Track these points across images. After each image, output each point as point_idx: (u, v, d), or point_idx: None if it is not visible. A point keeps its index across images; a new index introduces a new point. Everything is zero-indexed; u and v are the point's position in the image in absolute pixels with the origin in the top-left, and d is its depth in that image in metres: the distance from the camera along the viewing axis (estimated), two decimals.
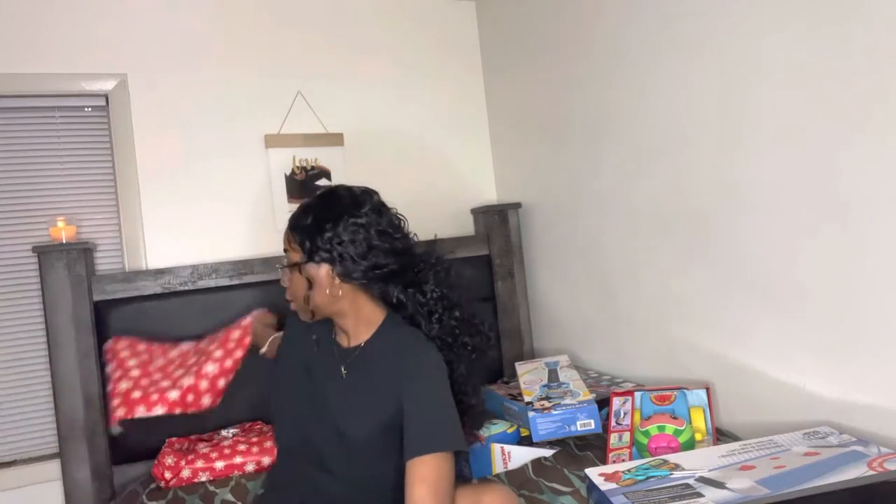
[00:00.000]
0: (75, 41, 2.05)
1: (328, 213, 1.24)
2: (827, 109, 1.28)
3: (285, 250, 1.30)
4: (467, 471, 1.52)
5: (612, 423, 1.57)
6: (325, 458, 1.25)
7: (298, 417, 1.29)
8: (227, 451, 1.75)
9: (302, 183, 2.29)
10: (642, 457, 1.43)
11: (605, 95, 1.94)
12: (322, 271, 1.24)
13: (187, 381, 1.74)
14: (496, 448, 1.59)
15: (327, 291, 1.24)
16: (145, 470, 1.84)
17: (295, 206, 2.20)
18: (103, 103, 2.11)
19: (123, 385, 1.77)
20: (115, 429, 1.81)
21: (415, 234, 1.33)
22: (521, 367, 2.05)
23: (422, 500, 1.07)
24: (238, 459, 1.74)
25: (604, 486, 1.13)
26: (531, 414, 1.59)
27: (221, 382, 1.76)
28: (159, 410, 1.72)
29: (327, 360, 1.32)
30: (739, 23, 1.45)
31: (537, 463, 1.53)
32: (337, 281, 1.24)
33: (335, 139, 2.36)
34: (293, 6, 2.35)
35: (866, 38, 1.19)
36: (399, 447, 1.16)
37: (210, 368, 1.75)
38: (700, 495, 1.04)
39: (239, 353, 1.78)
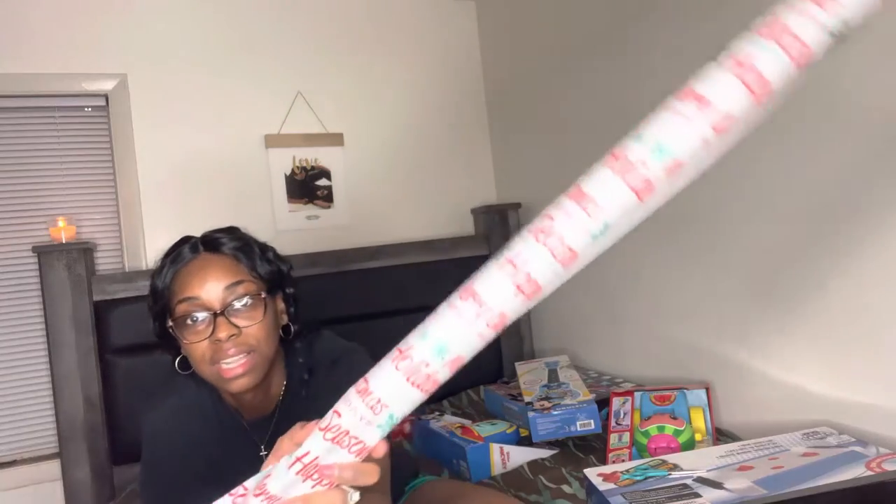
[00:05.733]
0: (75, 41, 2.05)
1: (245, 235, 1.06)
2: (827, 109, 1.28)
3: (233, 283, 0.97)
4: (466, 472, 1.52)
5: (612, 423, 1.57)
6: None
7: None
8: None
9: (302, 183, 2.29)
10: (642, 457, 1.43)
11: (604, 95, 1.93)
12: (279, 305, 1.04)
13: None
14: (495, 448, 1.59)
15: (280, 333, 1.02)
16: None
17: (295, 206, 2.29)
18: (103, 103, 2.11)
19: None
20: None
21: None
22: (521, 367, 2.05)
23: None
24: None
25: (602, 486, 1.13)
26: (531, 414, 1.59)
27: None
28: None
29: (240, 446, 1.04)
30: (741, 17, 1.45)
31: (536, 463, 1.53)
32: (285, 316, 1.04)
33: (335, 139, 2.36)
34: (293, 6, 2.35)
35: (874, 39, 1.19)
36: None
37: None
38: (697, 495, 1.04)
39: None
